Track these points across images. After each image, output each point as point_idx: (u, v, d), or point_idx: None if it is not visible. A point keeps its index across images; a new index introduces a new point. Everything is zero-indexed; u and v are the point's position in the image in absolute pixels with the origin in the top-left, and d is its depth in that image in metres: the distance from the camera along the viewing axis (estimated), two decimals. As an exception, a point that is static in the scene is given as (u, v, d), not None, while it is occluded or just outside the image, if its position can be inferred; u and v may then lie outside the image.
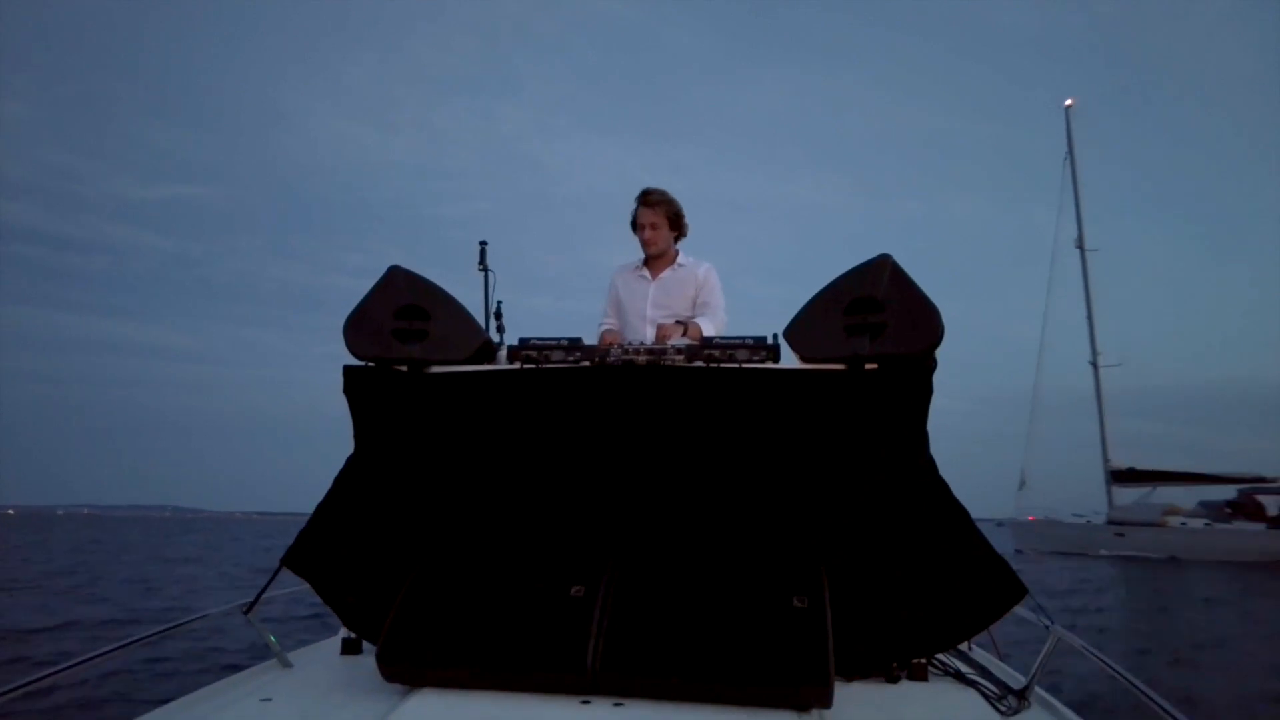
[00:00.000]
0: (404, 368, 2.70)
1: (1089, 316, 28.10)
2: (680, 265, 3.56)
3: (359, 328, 2.66)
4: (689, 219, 3.63)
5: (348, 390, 2.70)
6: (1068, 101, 30.12)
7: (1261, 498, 25.51)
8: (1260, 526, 24.83)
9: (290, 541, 2.69)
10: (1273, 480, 25.05)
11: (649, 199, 3.49)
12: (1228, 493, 26.01)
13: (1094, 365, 27.83)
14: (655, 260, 3.58)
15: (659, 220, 3.49)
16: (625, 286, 3.65)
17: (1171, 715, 1.90)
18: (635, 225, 3.54)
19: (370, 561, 2.64)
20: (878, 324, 2.42)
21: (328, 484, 2.72)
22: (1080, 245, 28.41)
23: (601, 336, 3.52)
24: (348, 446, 2.73)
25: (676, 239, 3.59)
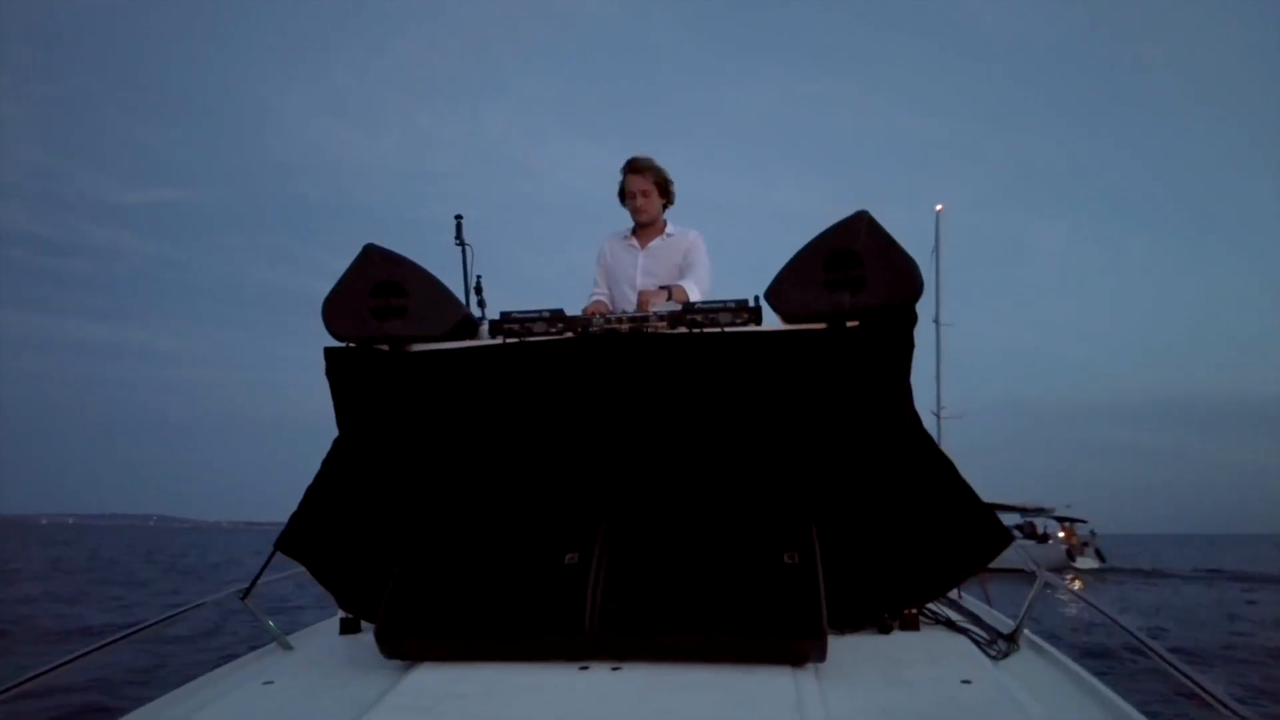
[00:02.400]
0: (385, 347, 2.66)
1: (938, 376, 35.95)
2: (669, 235, 3.53)
3: (337, 307, 2.63)
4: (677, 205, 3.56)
5: (329, 372, 2.66)
6: (938, 207, 37.23)
7: (1036, 521, 34.71)
8: (1033, 543, 34.10)
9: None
10: (1050, 510, 33.94)
11: (637, 165, 3.42)
12: (1016, 518, 34.84)
13: (937, 415, 35.90)
14: (645, 229, 3.53)
15: (649, 187, 3.44)
16: (614, 255, 3.59)
17: (1156, 652, 1.96)
18: (624, 194, 3.47)
19: (362, 541, 2.65)
20: (858, 277, 2.40)
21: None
22: (936, 320, 36.39)
23: (589, 307, 3.45)
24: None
25: (665, 207, 3.53)
